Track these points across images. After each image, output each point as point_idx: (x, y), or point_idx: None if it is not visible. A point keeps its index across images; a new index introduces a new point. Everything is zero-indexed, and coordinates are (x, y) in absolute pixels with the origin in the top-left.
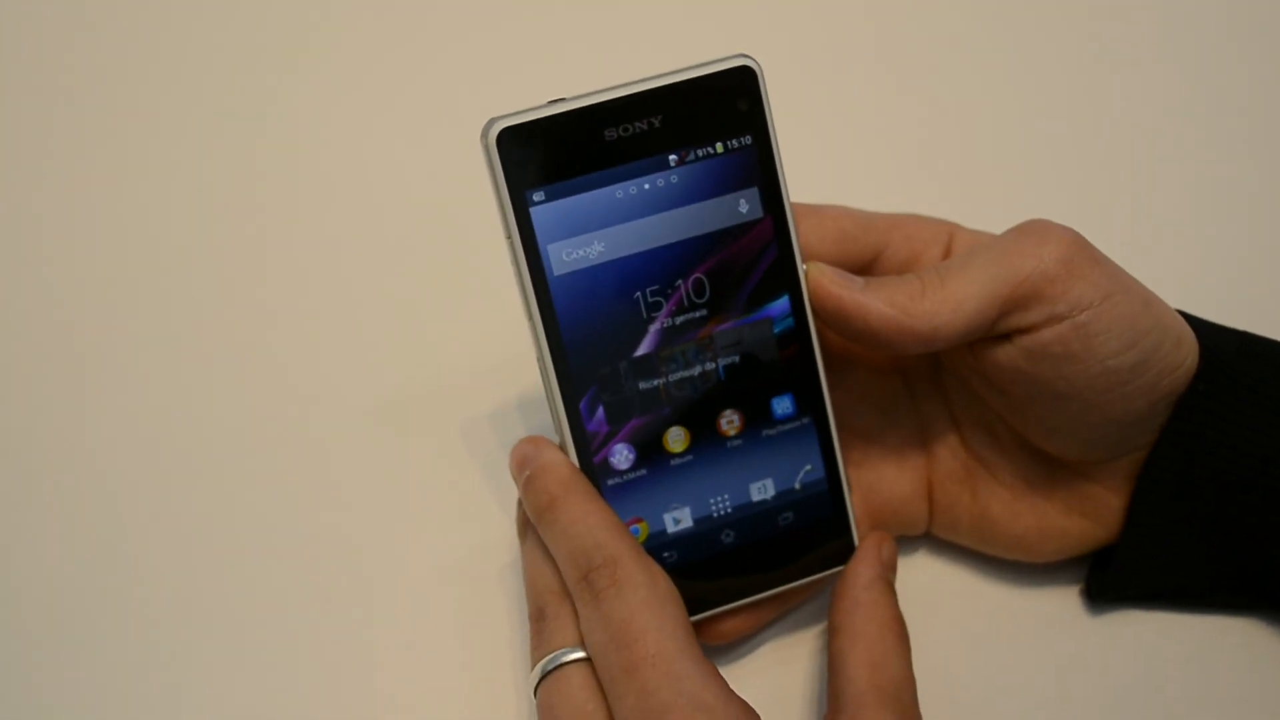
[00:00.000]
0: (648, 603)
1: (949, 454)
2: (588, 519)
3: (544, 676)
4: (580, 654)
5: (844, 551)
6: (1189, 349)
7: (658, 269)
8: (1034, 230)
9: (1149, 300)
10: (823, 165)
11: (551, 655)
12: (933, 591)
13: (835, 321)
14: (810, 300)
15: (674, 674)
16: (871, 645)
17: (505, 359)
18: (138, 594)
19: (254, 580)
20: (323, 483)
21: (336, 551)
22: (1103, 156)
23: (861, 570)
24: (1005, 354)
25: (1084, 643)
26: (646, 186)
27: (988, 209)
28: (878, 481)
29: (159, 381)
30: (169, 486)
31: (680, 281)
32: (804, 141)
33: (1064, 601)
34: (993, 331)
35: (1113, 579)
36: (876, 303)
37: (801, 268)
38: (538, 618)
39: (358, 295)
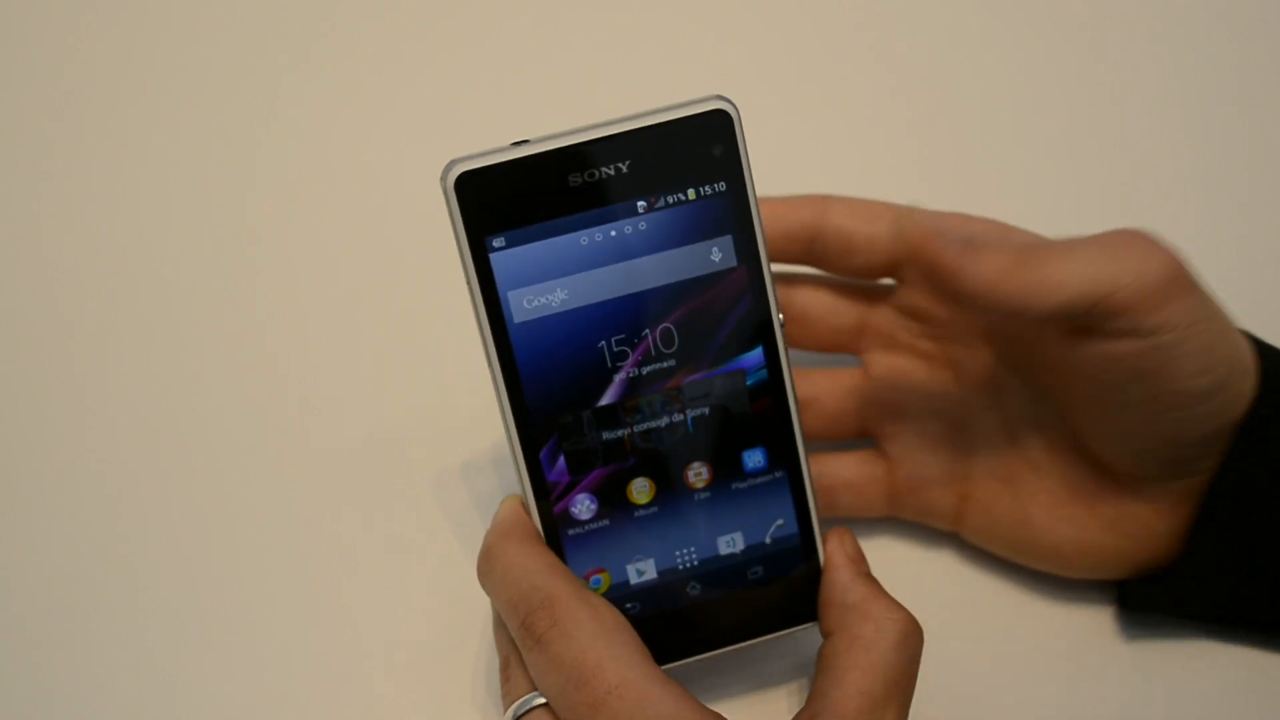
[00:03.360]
0: (596, 636)
1: (994, 451)
2: (523, 562)
3: None
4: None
5: (815, 607)
6: (1253, 381)
7: (623, 318)
8: (1140, 243)
9: (1229, 331)
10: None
11: (521, 700)
12: (955, 603)
13: (932, 275)
14: (918, 248)
15: (644, 700)
16: (869, 646)
17: (479, 408)
18: (125, 601)
19: (220, 632)
20: (290, 534)
21: (306, 603)
22: (1101, 162)
23: (836, 577)
24: (1080, 353)
25: (1117, 662)
26: (613, 233)
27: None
28: (905, 455)
29: (142, 418)
30: (156, 511)
31: (648, 331)
32: (780, 174)
33: (1094, 619)
34: (1074, 325)
35: (1163, 594)
36: (976, 264)
37: (777, 318)
38: (504, 667)
39: (327, 341)
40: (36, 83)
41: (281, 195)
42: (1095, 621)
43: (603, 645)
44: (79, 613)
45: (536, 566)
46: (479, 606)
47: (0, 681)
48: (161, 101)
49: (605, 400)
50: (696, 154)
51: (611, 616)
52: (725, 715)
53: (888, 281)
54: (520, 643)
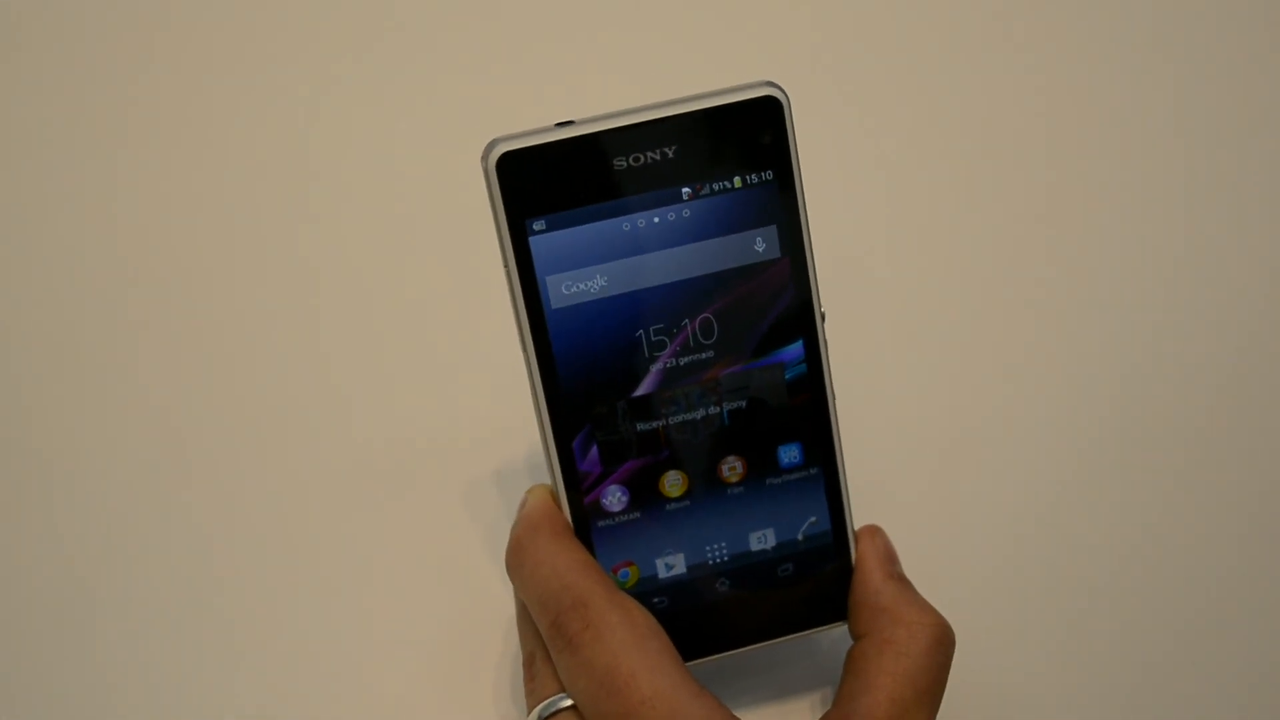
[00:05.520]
0: (628, 644)
1: None
2: (554, 560)
3: None
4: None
5: (845, 607)
6: None
7: (663, 307)
8: None
9: None
10: (847, 196)
11: (547, 702)
12: (988, 605)
13: None
14: None
15: (676, 713)
16: (901, 652)
17: (504, 403)
18: (140, 602)
19: (243, 632)
20: (318, 537)
21: (331, 611)
22: (1134, 173)
23: (868, 578)
24: None
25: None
26: (656, 220)
27: (1022, 235)
28: None
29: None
30: (177, 510)
31: (687, 321)
32: (828, 170)
33: (1134, 621)
34: None
35: None
36: None
37: (819, 311)
38: (529, 663)
39: (352, 334)
40: (65, 61)
41: (307, 178)
42: (1132, 623)
43: (636, 653)
44: (90, 611)
45: (568, 564)
46: (500, 605)
47: (54, 680)
48: (180, 89)
49: (641, 391)
50: (745, 141)
51: (645, 621)
52: None
53: None
54: (550, 642)
